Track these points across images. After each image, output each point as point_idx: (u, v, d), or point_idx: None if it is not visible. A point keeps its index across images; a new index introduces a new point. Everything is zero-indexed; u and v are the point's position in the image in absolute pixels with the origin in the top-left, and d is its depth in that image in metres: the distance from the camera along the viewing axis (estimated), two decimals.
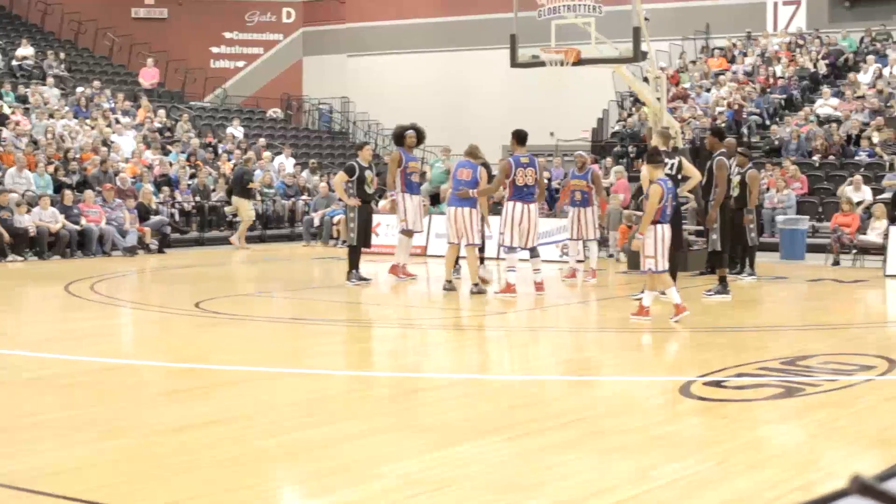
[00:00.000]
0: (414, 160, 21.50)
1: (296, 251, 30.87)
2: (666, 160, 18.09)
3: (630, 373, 12.35)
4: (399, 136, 21.37)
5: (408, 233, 21.28)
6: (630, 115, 36.68)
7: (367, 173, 20.76)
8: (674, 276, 18.44)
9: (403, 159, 20.97)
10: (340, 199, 22.99)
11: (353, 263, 20.87)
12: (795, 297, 20.70)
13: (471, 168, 19.53)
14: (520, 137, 19.46)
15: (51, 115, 34.96)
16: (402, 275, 21.43)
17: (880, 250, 24.27)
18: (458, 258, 21.00)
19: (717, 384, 10.94)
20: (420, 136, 21.50)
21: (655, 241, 15.57)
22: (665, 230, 15.67)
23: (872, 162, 30.65)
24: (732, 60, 39.14)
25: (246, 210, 31.91)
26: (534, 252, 19.52)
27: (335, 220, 31.35)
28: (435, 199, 29.26)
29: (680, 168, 18.42)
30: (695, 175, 19.21)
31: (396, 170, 20.98)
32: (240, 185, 32.14)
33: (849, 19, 39.19)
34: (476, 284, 19.50)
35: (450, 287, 19.75)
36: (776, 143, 32.82)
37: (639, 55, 23.64)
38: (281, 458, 8.10)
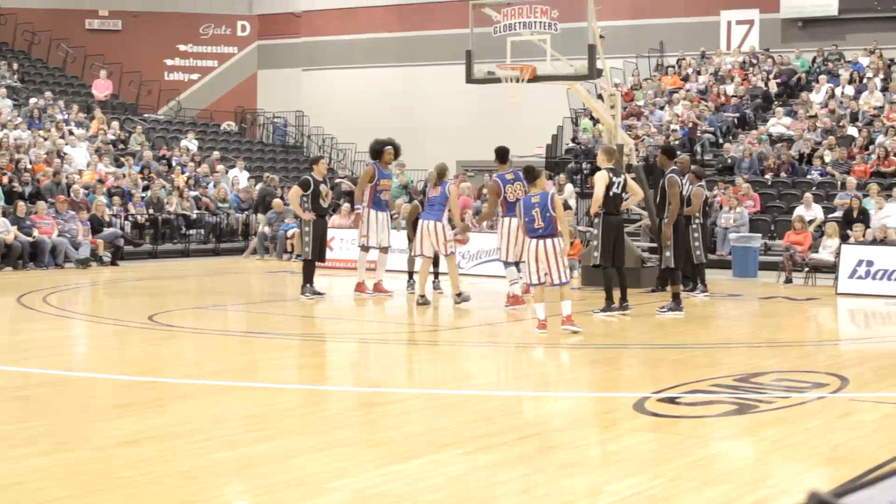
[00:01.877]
0: (387, 178, 21.38)
1: (250, 265, 30.78)
2: (613, 178, 18.23)
3: (584, 389, 12.39)
4: (377, 152, 21.21)
5: (366, 249, 21.21)
6: (577, 133, 36.81)
7: (322, 187, 20.70)
8: (624, 293, 18.59)
9: (377, 175, 20.89)
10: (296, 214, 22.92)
11: (308, 277, 20.83)
12: (748, 314, 20.80)
13: (441, 186, 19.85)
14: (500, 155, 19.88)
15: (3, 126, 34.75)
16: (364, 291, 21.30)
17: (832, 268, 24.44)
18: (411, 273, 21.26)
19: (671, 400, 10.99)
20: (397, 153, 21.46)
21: (527, 255, 16.23)
22: (534, 244, 16.18)
23: (824, 181, 30.87)
24: (686, 79, 39.35)
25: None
26: (517, 266, 19.84)
27: (289, 233, 31.29)
28: None
29: (625, 186, 18.55)
30: (637, 192, 19.37)
31: (367, 184, 20.88)
32: (263, 203, 33.95)
33: (801, 39, 39.49)
34: (459, 294, 19.64)
35: (423, 301, 19.80)
36: (729, 161, 33.01)
37: (594, 72, 23.68)
38: (235, 471, 8.08)
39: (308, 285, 20.79)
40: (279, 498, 7.37)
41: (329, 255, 23.13)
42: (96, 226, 29.62)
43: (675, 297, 18.88)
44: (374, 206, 20.93)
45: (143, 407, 10.42)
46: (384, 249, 21.31)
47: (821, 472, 8.45)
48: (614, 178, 18.24)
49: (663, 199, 19.22)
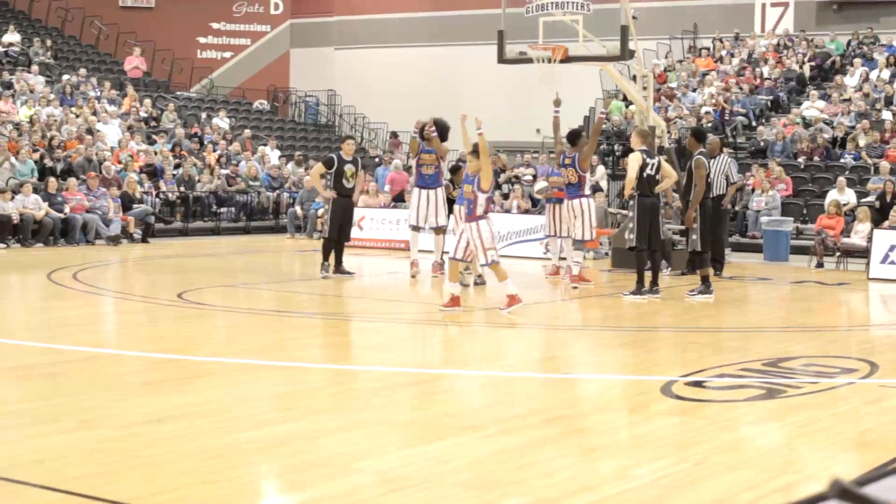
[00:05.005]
0: (430, 152, 21.40)
1: (280, 243, 30.82)
2: (646, 159, 18.15)
3: (611, 371, 12.34)
4: (445, 130, 21.44)
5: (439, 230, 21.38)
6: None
7: (348, 167, 20.66)
8: (655, 277, 18.52)
9: (421, 150, 21.17)
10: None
11: (326, 255, 20.84)
12: (778, 298, 20.71)
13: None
14: (572, 137, 20.39)
15: (36, 103, 34.86)
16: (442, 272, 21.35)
17: (864, 253, 24.30)
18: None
19: (699, 384, 10.93)
20: None
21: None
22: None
23: (857, 165, 30.67)
24: (719, 61, 39.15)
25: None
26: (577, 245, 20.02)
27: (319, 212, 31.30)
28: None
29: (659, 168, 18.47)
30: (671, 175, 19.26)
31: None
32: None
33: (836, 22, 39.20)
34: (480, 276, 19.65)
35: (480, 281, 19.76)
36: (762, 144, 32.84)
37: (626, 53, 23.59)
38: (260, 450, 8.06)
39: (325, 263, 20.79)
40: (303, 478, 7.35)
41: (359, 234, 23.09)
42: (127, 203, 29.70)
43: (705, 280, 18.79)
44: (418, 184, 21.16)
45: (170, 385, 10.43)
46: (439, 230, 21.33)
47: (848, 457, 8.39)
48: (648, 160, 18.16)
49: (690, 182, 19.15)
